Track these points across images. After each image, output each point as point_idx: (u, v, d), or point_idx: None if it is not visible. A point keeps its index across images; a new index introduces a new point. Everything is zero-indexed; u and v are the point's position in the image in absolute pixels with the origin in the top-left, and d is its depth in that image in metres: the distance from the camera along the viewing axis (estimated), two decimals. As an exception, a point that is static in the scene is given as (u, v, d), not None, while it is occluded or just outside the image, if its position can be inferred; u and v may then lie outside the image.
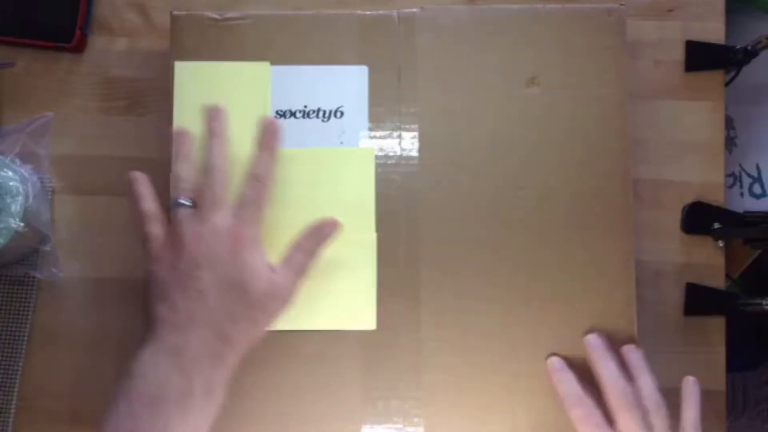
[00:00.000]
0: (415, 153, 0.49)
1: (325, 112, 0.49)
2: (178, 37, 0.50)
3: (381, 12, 0.50)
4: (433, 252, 0.49)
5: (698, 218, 0.55)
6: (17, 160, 0.53)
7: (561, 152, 0.50)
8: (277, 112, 0.49)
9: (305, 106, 0.49)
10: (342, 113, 0.49)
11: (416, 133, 0.50)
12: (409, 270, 0.49)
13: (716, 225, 0.54)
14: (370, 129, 0.49)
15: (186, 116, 0.49)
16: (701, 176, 0.55)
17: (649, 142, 0.56)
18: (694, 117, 0.56)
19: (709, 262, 0.55)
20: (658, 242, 0.55)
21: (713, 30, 0.57)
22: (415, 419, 0.48)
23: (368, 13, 0.50)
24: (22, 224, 0.50)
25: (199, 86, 0.49)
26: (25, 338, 0.54)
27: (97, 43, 0.57)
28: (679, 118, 0.56)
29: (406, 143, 0.49)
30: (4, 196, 0.50)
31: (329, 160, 0.49)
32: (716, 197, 0.55)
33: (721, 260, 0.55)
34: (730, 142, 0.62)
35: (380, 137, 0.49)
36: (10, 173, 0.50)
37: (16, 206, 0.50)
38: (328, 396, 0.48)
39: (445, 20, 0.50)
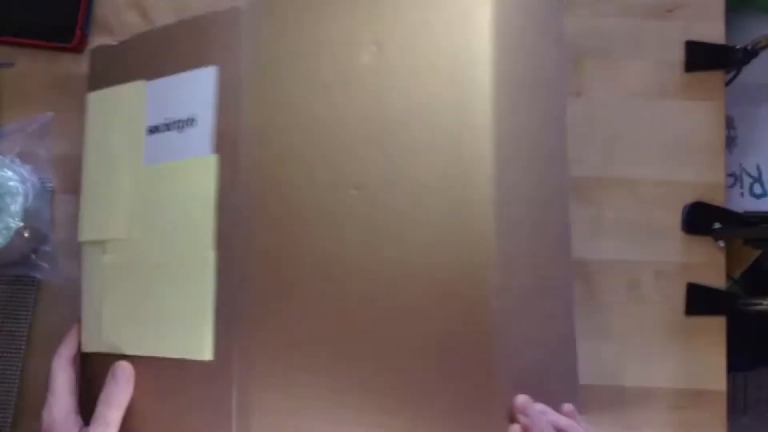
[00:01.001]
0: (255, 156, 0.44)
1: (180, 122, 0.46)
2: (93, 69, 0.51)
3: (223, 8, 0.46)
4: (270, 274, 0.42)
5: (699, 218, 0.54)
6: (17, 160, 0.53)
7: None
8: (149, 128, 0.47)
9: (167, 119, 0.46)
10: (194, 122, 0.45)
11: (259, 133, 0.44)
12: (245, 292, 0.43)
13: (717, 225, 0.54)
14: (216, 138, 0.45)
15: (90, 145, 0.49)
16: (702, 176, 0.55)
17: (650, 142, 0.56)
18: (694, 117, 0.56)
19: (709, 262, 0.54)
20: (659, 242, 0.55)
21: (713, 30, 0.57)
22: None
23: (200, 15, 0.47)
24: (21, 224, 0.50)
25: (99, 113, 0.49)
26: (25, 338, 0.53)
27: (97, 43, 0.57)
28: (680, 118, 0.56)
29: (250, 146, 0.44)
30: (4, 196, 0.50)
31: (178, 173, 0.45)
32: (717, 197, 0.55)
33: (722, 260, 0.55)
34: (730, 142, 0.62)
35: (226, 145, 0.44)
36: (10, 173, 0.50)
37: (16, 206, 0.50)
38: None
39: (281, 4, 0.45)
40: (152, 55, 0.48)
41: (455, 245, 0.39)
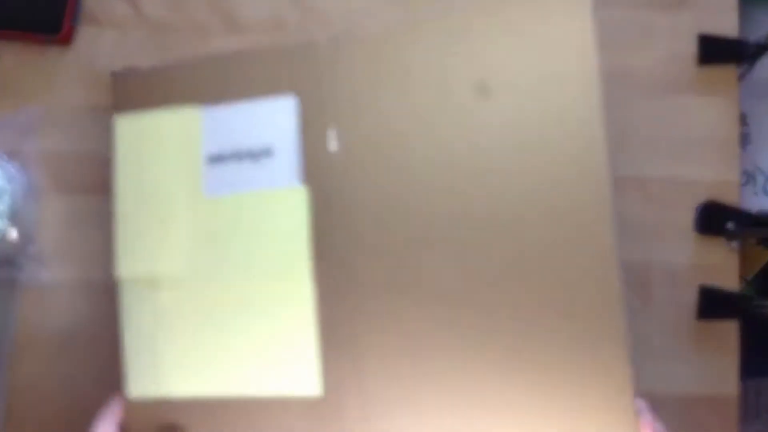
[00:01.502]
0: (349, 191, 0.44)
1: (254, 152, 0.45)
2: (118, 93, 0.48)
3: (304, 40, 0.46)
4: (376, 303, 0.42)
5: (711, 218, 0.53)
6: (4, 157, 0.52)
7: (527, 174, 0.42)
8: (210, 158, 0.45)
9: (235, 148, 0.45)
10: (271, 152, 0.44)
11: (347, 168, 0.44)
12: (349, 323, 0.43)
13: (730, 225, 0.53)
14: (302, 169, 0.44)
15: (125, 173, 0.46)
16: (714, 174, 0.54)
17: (661, 139, 0.54)
18: (706, 113, 0.55)
19: (722, 263, 0.53)
20: (671, 243, 0.53)
21: (726, 23, 0.56)
22: None
23: (290, 43, 0.46)
24: (8, 224, 0.48)
25: (136, 140, 0.47)
26: (11, 343, 0.52)
27: (84, 35, 0.56)
28: (692, 113, 0.55)
29: (337, 180, 0.44)
30: (-11, 195, 0.49)
31: (259, 204, 0.44)
32: (730, 196, 0.54)
33: (735, 261, 0.53)
34: (743, 139, 0.61)
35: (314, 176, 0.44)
36: (-4, 171, 0.49)
37: (2, 206, 0.49)
38: None
39: (373, 37, 0.45)
40: (205, 82, 0.46)
41: (569, 285, 0.40)
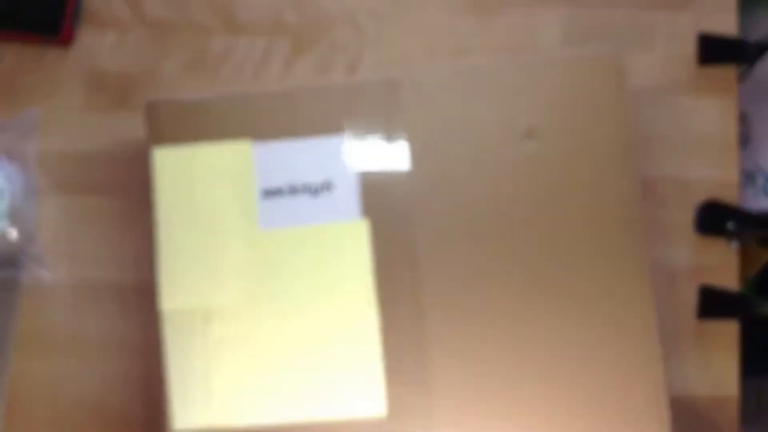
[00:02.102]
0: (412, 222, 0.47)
1: (313, 186, 0.47)
2: (155, 123, 0.48)
3: (362, 80, 0.50)
4: (440, 329, 0.46)
5: (711, 218, 0.53)
6: (4, 158, 0.52)
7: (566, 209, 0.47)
8: (264, 191, 0.47)
9: (292, 182, 0.47)
10: (332, 186, 0.47)
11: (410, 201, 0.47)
12: (415, 348, 0.45)
13: (730, 225, 0.53)
14: (363, 202, 0.47)
15: (169, 204, 0.47)
16: (714, 174, 0.54)
17: (660, 138, 0.54)
18: (706, 112, 0.55)
19: (722, 263, 0.53)
20: (670, 243, 0.53)
21: (726, 22, 0.56)
22: None
23: (349, 83, 0.49)
24: (9, 225, 0.49)
25: (180, 172, 0.47)
26: (11, 343, 0.52)
27: (85, 36, 0.56)
28: (691, 113, 0.55)
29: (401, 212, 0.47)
30: (-10, 196, 0.49)
31: (320, 237, 0.46)
32: (730, 196, 0.54)
33: (735, 261, 0.53)
34: (744, 139, 0.61)
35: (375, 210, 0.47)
36: (-4, 172, 0.50)
37: (3, 206, 0.49)
38: None
39: (430, 81, 0.48)
40: (256, 117, 0.48)
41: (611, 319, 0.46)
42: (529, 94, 0.47)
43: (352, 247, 0.46)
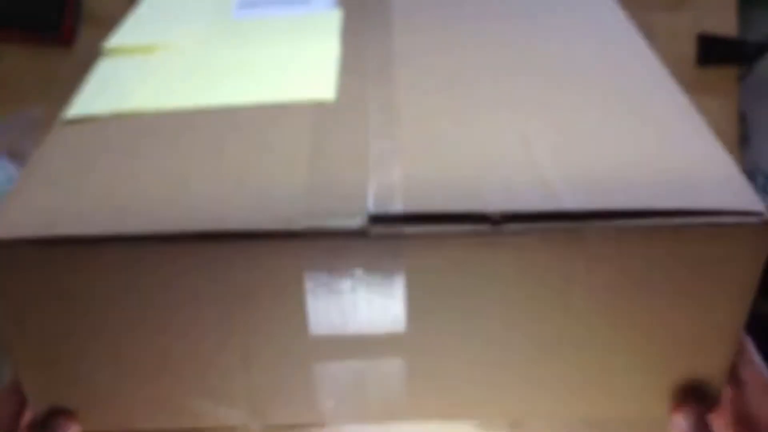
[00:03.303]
0: None
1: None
2: None
3: None
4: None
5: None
6: (5, 157, 0.52)
7: None
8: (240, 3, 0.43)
9: None
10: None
11: None
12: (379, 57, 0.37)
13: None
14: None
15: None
16: (714, 174, 0.54)
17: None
18: (706, 113, 0.54)
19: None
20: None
21: (725, 23, 0.56)
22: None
23: None
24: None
25: None
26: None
27: (86, 35, 0.56)
28: (691, 113, 0.55)
29: None
30: (-10, 195, 0.48)
31: (290, 25, 0.41)
32: (730, 196, 0.53)
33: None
34: (743, 139, 0.61)
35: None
36: (-3, 171, 0.49)
37: None
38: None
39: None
40: None
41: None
42: None
43: (321, 32, 0.40)
